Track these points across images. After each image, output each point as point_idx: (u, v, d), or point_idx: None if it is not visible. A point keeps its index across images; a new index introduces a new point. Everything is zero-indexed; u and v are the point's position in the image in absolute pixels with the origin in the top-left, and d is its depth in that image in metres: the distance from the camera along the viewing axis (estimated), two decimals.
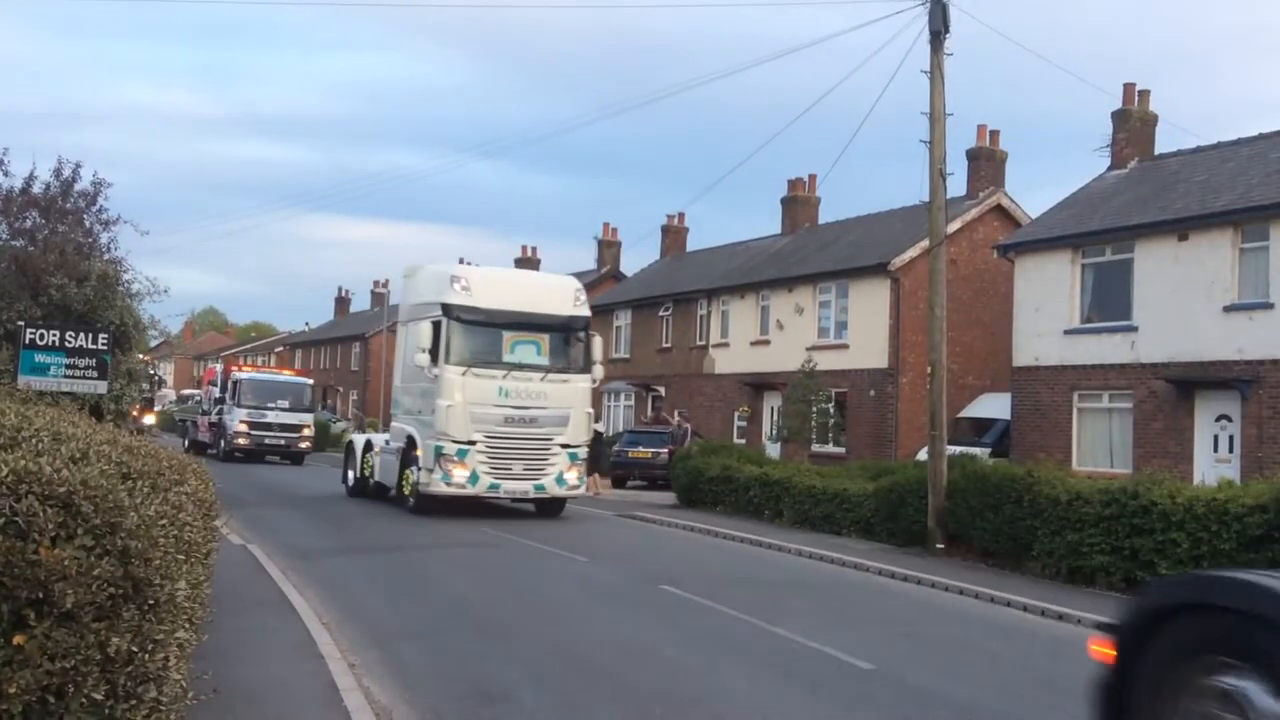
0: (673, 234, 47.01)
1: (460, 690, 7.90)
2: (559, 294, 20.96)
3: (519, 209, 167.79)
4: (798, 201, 39.45)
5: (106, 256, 20.30)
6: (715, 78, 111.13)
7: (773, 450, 29.96)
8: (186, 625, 5.32)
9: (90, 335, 15.05)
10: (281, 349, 79.87)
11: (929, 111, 17.95)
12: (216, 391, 40.59)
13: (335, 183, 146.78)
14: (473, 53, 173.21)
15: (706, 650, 9.73)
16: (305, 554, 14.79)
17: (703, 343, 37.68)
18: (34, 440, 5.35)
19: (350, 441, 25.91)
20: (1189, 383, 21.63)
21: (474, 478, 19.51)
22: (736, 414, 34.88)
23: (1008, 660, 10.18)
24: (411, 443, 20.59)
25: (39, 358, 14.52)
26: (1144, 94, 27.09)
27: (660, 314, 40.37)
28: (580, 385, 20.57)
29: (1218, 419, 21.42)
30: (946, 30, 17.69)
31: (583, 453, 20.73)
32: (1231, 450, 21.05)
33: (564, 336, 20.64)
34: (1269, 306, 20.45)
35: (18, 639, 3.93)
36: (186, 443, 42.21)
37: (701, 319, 37.93)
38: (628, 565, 15.14)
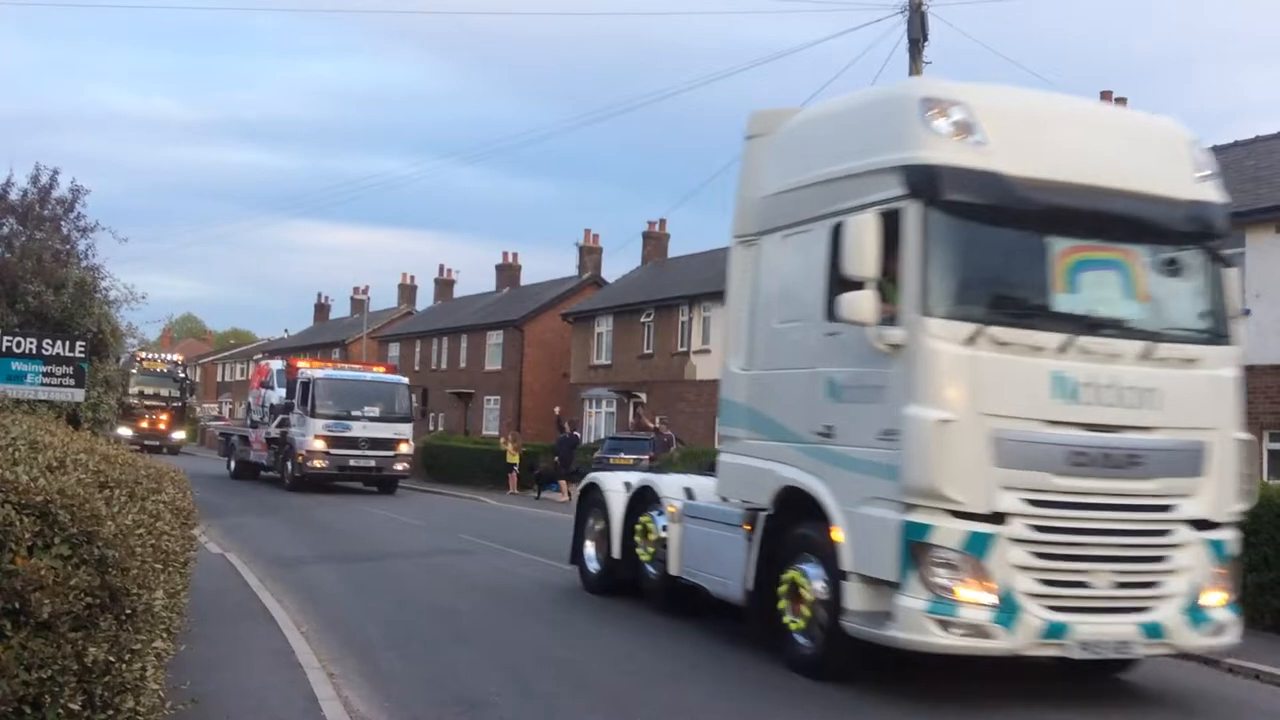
0: (654, 240, 47.04)
1: (440, 697, 7.89)
2: (1160, 150, 8.98)
3: (500, 215, 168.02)
4: None
5: (84, 263, 20.21)
6: (697, 84, 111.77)
7: None
8: (164, 635, 5.31)
9: (67, 343, 15.00)
10: (261, 356, 79.33)
11: None
12: (273, 396, 31.94)
13: (315, 188, 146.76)
14: (455, 59, 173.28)
15: (693, 655, 9.74)
16: None
17: (684, 349, 37.72)
18: (10, 449, 5.33)
19: (594, 485, 13.24)
20: None
21: (1008, 609, 7.63)
22: (718, 420, 34.81)
23: None
24: (797, 508, 8.93)
25: (15, 365, 14.44)
26: (1121, 101, 27.29)
27: (642, 320, 40.39)
28: (1220, 373, 8.53)
29: None
30: (925, 38, 17.85)
31: (1232, 541, 8.44)
32: None
33: (1177, 252, 8.87)
34: (1244, 314, 20.60)
35: None
36: (233, 465, 34.59)
37: (683, 325, 37.96)
38: None
